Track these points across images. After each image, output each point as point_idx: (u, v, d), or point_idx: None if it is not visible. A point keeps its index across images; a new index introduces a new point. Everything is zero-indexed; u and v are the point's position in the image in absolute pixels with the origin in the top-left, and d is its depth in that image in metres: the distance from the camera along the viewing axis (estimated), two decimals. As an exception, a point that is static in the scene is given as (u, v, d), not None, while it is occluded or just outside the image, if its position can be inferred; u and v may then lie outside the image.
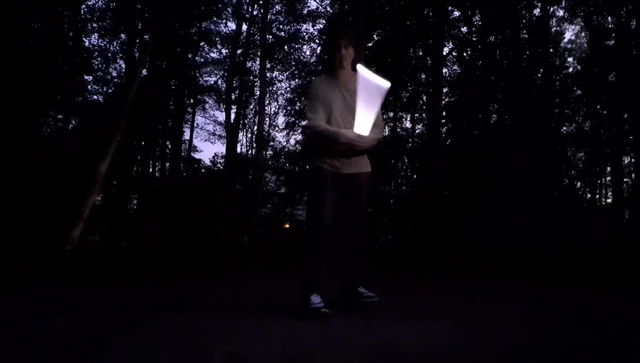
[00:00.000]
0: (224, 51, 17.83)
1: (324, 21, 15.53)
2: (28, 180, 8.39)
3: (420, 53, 15.81)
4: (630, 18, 13.49)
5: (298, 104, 17.70)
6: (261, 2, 14.84)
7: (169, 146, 17.02)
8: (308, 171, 2.68)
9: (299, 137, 18.72)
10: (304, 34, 16.32)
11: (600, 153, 16.13)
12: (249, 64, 16.67)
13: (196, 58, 17.23)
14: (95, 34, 13.86)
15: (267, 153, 19.67)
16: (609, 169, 17.11)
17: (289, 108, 18.61)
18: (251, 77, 17.34)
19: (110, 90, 15.17)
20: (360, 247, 2.74)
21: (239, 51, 15.72)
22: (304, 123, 2.58)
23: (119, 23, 13.07)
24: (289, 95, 18.57)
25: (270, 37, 15.73)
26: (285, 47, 16.31)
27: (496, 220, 12.16)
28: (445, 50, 14.28)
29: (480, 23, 14.26)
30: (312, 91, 2.59)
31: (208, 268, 6.74)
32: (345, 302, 2.71)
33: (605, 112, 15.63)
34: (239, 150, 19.20)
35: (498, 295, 3.78)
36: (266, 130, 18.98)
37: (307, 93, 2.62)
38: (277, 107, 20.30)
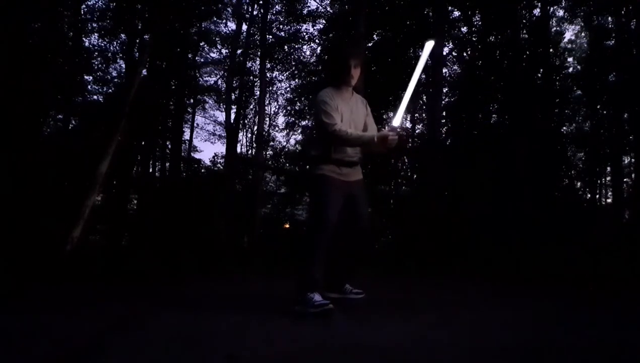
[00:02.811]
0: (224, 51, 17.86)
1: (324, 21, 15.53)
2: (28, 180, 8.38)
3: (421, 53, 15.80)
4: (630, 18, 13.48)
5: (298, 104, 17.71)
6: (261, 2, 14.84)
7: (169, 146, 17.03)
8: (313, 178, 2.73)
9: (299, 137, 18.74)
10: (304, 34, 16.33)
11: (600, 153, 16.11)
12: (249, 64, 16.69)
13: (196, 58, 17.25)
14: (95, 34, 13.85)
15: (267, 153, 19.70)
16: (609, 169, 17.09)
17: (289, 108, 18.63)
18: (251, 77, 17.35)
19: (110, 90, 15.18)
20: (368, 246, 2.81)
21: (239, 51, 15.71)
22: (326, 126, 2.53)
23: (119, 23, 13.05)
24: (289, 95, 18.59)
25: (270, 37, 15.74)
26: (285, 47, 16.32)
27: (496, 220, 12.14)
28: (445, 50, 14.26)
29: (480, 23, 14.24)
30: (327, 99, 2.67)
31: (208, 268, 6.73)
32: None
33: (605, 112, 15.61)
34: (239, 150, 19.22)
35: (498, 294, 3.78)
36: (266, 130, 19.01)
37: (319, 100, 2.69)
38: (277, 107, 20.36)
